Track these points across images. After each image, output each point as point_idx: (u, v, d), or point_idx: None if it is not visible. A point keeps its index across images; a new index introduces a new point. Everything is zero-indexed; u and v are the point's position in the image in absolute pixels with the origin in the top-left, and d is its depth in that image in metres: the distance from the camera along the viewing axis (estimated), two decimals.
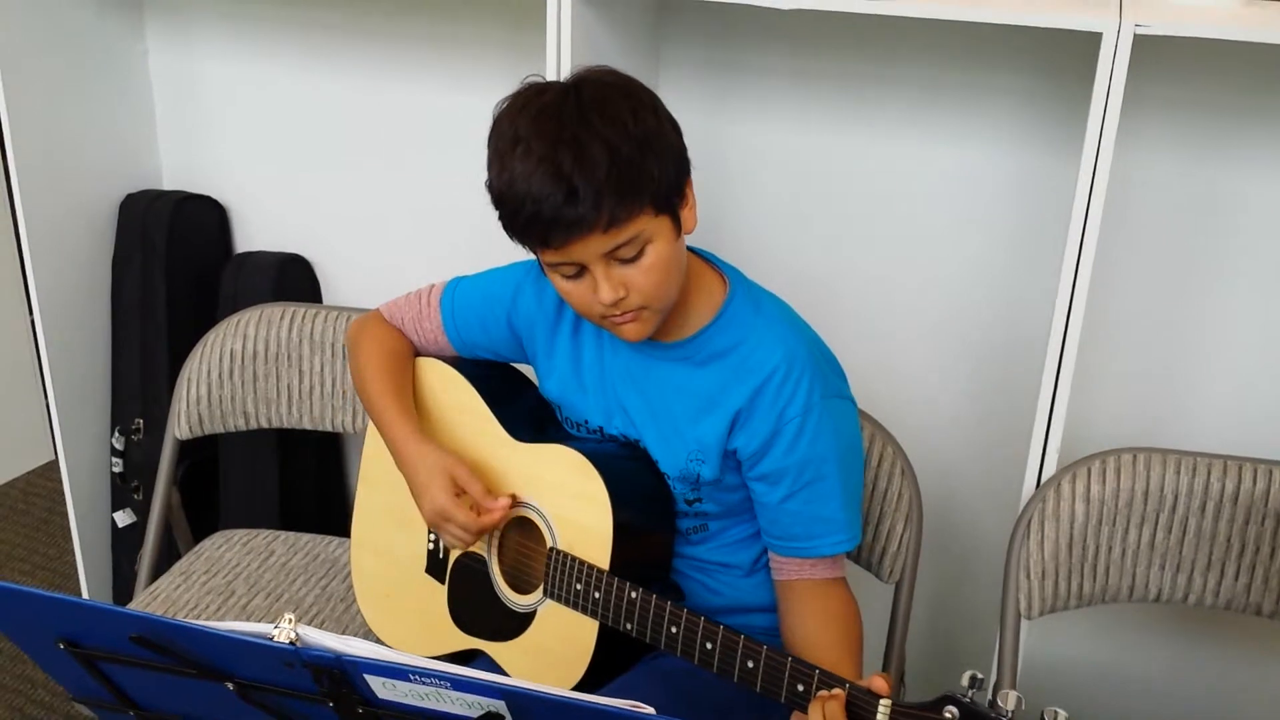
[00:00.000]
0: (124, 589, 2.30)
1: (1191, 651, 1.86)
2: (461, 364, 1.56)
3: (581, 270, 1.25)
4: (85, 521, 2.27)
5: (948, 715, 1.03)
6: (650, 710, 0.73)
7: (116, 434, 2.26)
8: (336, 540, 1.94)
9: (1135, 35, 1.36)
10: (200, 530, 2.01)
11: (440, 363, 1.56)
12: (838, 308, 1.75)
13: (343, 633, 1.67)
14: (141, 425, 2.25)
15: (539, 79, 1.29)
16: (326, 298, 2.30)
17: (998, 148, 1.76)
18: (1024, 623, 1.54)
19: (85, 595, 2.29)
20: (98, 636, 0.86)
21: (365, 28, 2.07)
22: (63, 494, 2.24)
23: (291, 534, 1.95)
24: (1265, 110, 1.61)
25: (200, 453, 2.18)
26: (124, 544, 2.30)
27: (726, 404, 1.34)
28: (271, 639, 0.78)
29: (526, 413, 1.54)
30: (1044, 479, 1.56)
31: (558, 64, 1.63)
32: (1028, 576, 1.53)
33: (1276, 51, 1.45)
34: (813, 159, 1.87)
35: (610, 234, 1.20)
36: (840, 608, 1.35)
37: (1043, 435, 1.55)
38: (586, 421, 1.46)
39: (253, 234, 2.30)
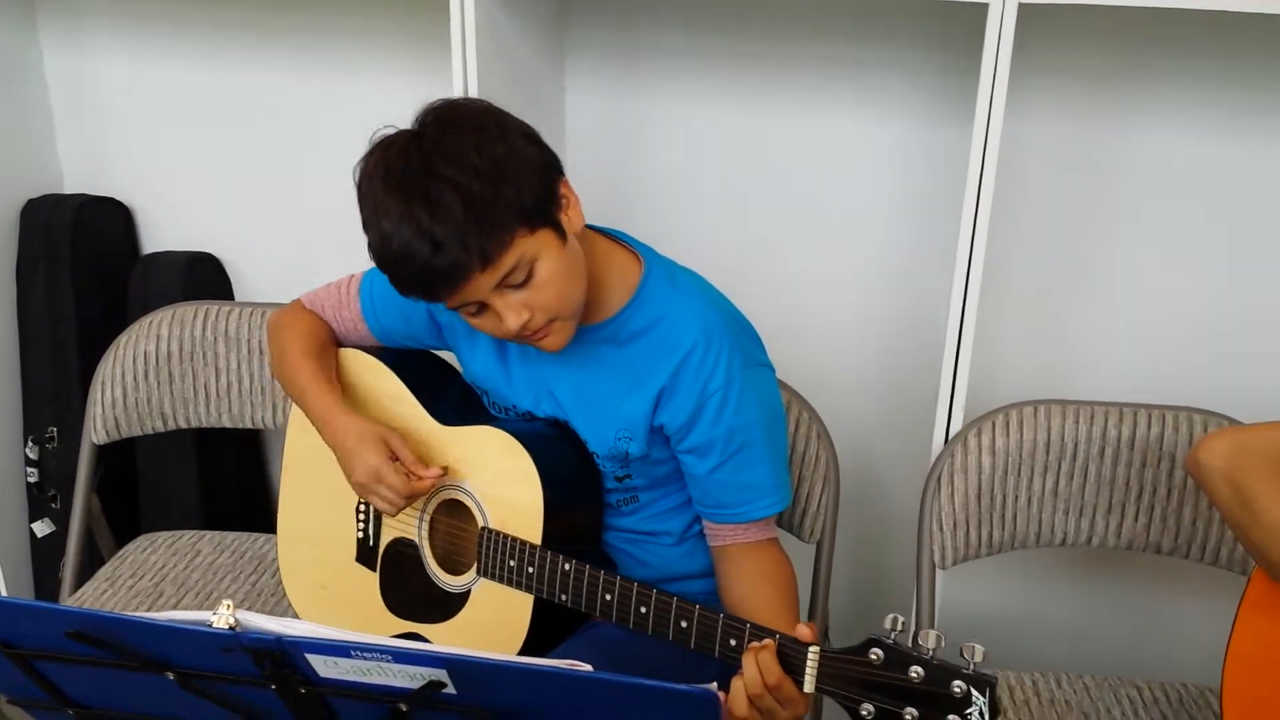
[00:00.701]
0: (47, 599, 2.27)
1: (1098, 592, 1.95)
2: (384, 353, 1.57)
3: (482, 306, 1.27)
4: (3, 532, 2.24)
5: (873, 657, 1.08)
6: (587, 667, 0.76)
7: (30, 443, 2.23)
8: (263, 537, 1.94)
9: (1020, 3, 1.42)
10: (121, 536, 2.00)
11: (362, 353, 1.57)
12: (749, 280, 1.77)
13: None
14: (55, 434, 2.22)
15: (390, 130, 1.28)
16: (238, 294, 2.28)
17: (895, 119, 1.81)
18: (939, 573, 1.61)
19: None
20: (33, 635, 0.87)
21: (264, 22, 2.06)
22: None
23: (217, 533, 1.95)
24: (1145, 71, 1.68)
25: (116, 457, 2.16)
26: (44, 554, 2.27)
27: (650, 382, 1.37)
28: (210, 625, 0.80)
29: (451, 398, 1.56)
30: (951, 435, 1.62)
31: (463, 55, 1.64)
32: (940, 528, 1.60)
33: (1153, 15, 1.53)
34: (717, 136, 1.91)
35: (490, 270, 1.22)
36: (774, 566, 1.40)
37: (948, 393, 1.61)
38: (515, 406, 1.49)
39: (159, 234, 2.27)
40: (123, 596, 1.77)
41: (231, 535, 1.94)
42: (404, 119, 1.29)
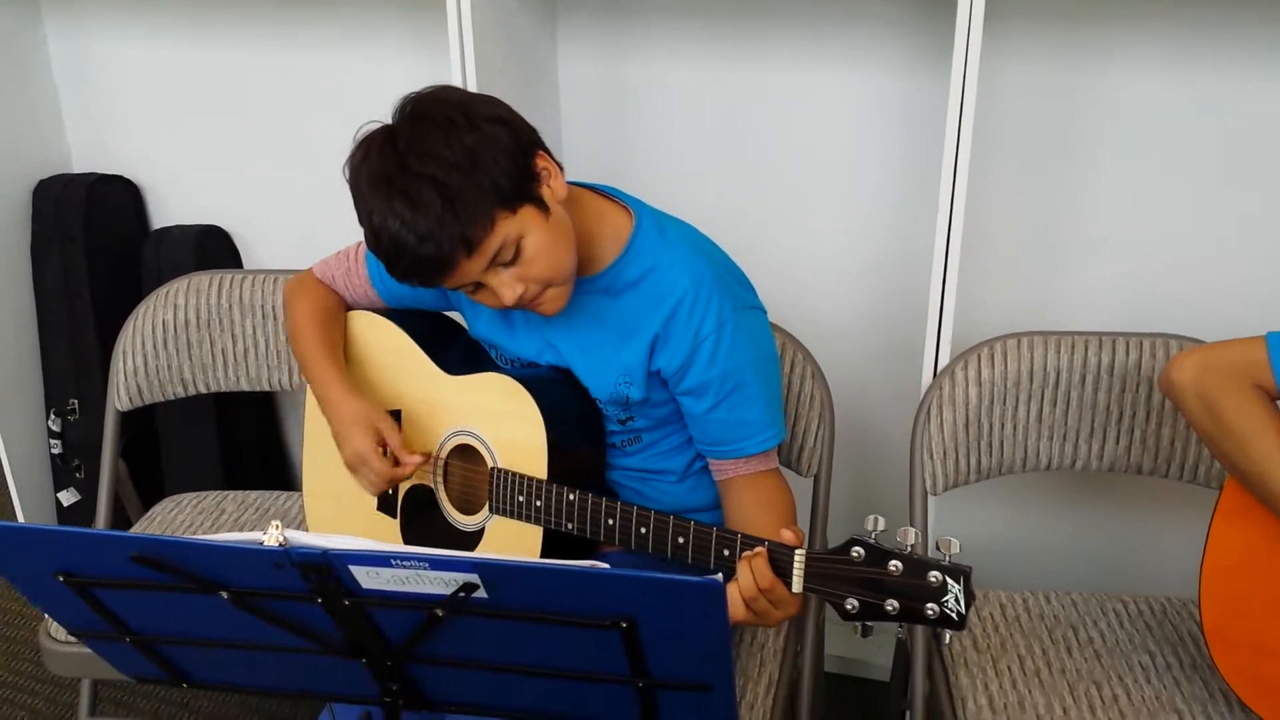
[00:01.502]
0: None
1: (1083, 513, 2.05)
2: (392, 313, 1.65)
3: (478, 284, 1.35)
4: (30, 504, 2.32)
5: (854, 554, 1.15)
6: (605, 565, 0.84)
7: (53, 416, 2.31)
8: (285, 494, 2.02)
9: None
10: (146, 499, 2.08)
11: (372, 314, 1.65)
12: (741, 230, 1.85)
13: None
14: (76, 405, 2.30)
15: (372, 126, 1.34)
16: (248, 265, 2.35)
17: (877, 68, 1.88)
18: (930, 499, 1.69)
19: None
20: (96, 564, 0.94)
21: None
22: (4, 479, 2.28)
23: (239, 492, 2.03)
24: (1118, 14, 1.74)
25: (137, 424, 2.24)
26: (71, 522, 2.35)
27: (644, 329, 1.45)
28: (261, 544, 0.88)
29: (457, 350, 1.63)
30: (939, 368, 1.70)
31: (459, 21, 1.70)
32: (930, 457, 1.68)
33: None
34: (707, 91, 1.98)
35: (476, 254, 1.29)
36: (774, 493, 1.48)
37: (935, 328, 1.69)
38: (519, 358, 1.56)
39: (168, 209, 2.34)
40: None
41: (254, 494, 2.02)
42: (402, 88, 1.36)
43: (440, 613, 0.92)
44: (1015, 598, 1.73)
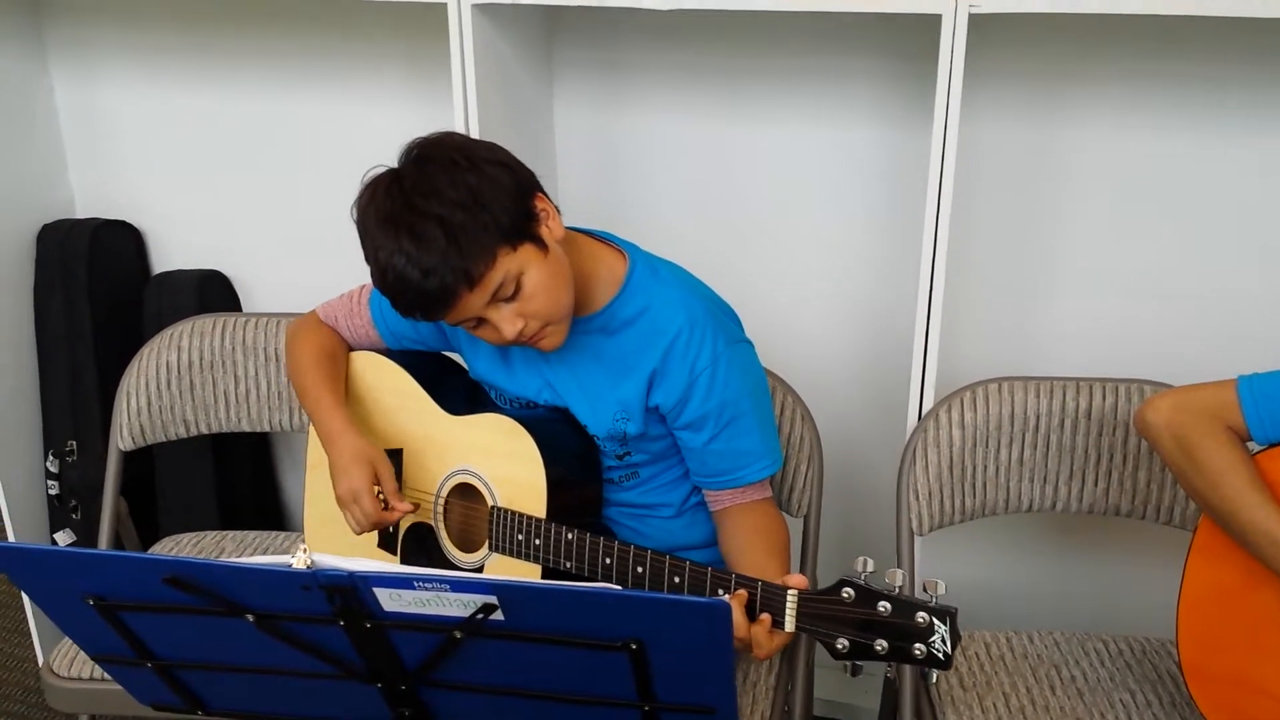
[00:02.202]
0: None
1: (1063, 554, 2.10)
2: (394, 354, 1.70)
3: (480, 320, 1.41)
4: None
5: (845, 595, 1.21)
6: (617, 588, 0.89)
7: (50, 457, 2.33)
8: (284, 534, 2.05)
9: (970, 15, 1.56)
10: (143, 539, 2.11)
11: (374, 354, 1.70)
12: (731, 277, 1.92)
13: None
14: (75, 446, 2.33)
15: (379, 170, 1.41)
16: (247, 309, 2.40)
17: (862, 123, 1.96)
18: (917, 539, 1.74)
19: (31, 618, 2.35)
20: (126, 588, 0.98)
21: (263, 47, 2.19)
22: (1, 520, 2.30)
23: (239, 532, 2.06)
24: (1087, 72, 1.83)
25: (134, 465, 2.27)
26: None
27: (642, 366, 1.51)
28: (290, 566, 0.92)
29: (458, 390, 1.68)
30: (924, 411, 1.76)
31: (462, 73, 1.77)
32: (916, 498, 1.73)
33: (1092, 20, 1.68)
34: (697, 145, 2.05)
35: (478, 289, 1.35)
36: (768, 521, 1.54)
37: (920, 373, 1.75)
38: (519, 398, 1.61)
39: (170, 254, 2.39)
40: None
41: (253, 534, 2.05)
42: (403, 136, 1.42)
43: (458, 634, 0.96)
44: (1000, 637, 1.78)
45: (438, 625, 0.96)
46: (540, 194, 1.43)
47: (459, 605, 0.92)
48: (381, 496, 1.53)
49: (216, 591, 0.95)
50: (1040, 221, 1.92)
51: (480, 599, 0.91)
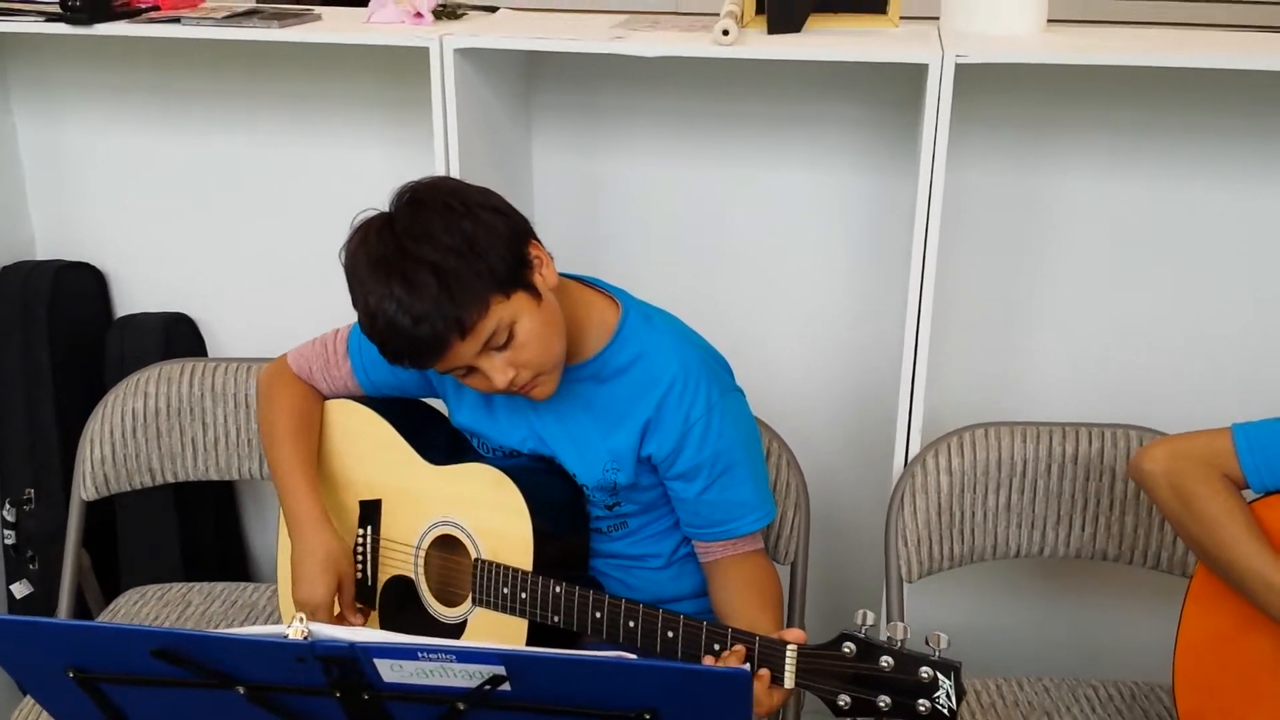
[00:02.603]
0: None
1: (1051, 599, 2.09)
2: (373, 402, 1.65)
3: (470, 368, 1.37)
4: None
5: (846, 650, 1.18)
6: (631, 656, 0.86)
7: (8, 506, 2.26)
8: (252, 585, 1.99)
9: (957, 65, 1.56)
10: (105, 592, 2.04)
11: (353, 403, 1.65)
12: (711, 321, 1.91)
13: None
14: (33, 495, 2.25)
15: (369, 213, 1.38)
16: (213, 353, 2.34)
17: (843, 169, 1.96)
18: (906, 586, 1.72)
19: None
20: (111, 660, 0.93)
21: (230, 88, 2.14)
22: None
23: (205, 584, 1.99)
24: (1069, 120, 1.84)
25: (93, 516, 2.20)
26: (24, 615, 2.29)
27: (635, 415, 1.48)
28: (286, 637, 0.88)
29: (439, 439, 1.64)
30: (910, 457, 1.75)
31: (443, 117, 1.74)
32: (905, 544, 1.71)
33: (1076, 70, 1.68)
34: (678, 190, 2.04)
35: (470, 338, 1.32)
36: (761, 574, 1.51)
37: (905, 419, 1.74)
38: (502, 447, 1.58)
39: (133, 297, 2.33)
40: None
41: (220, 585, 1.99)
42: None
43: (462, 706, 0.92)
44: (989, 684, 1.76)
45: (440, 696, 0.92)
46: (534, 241, 1.40)
47: (464, 676, 0.89)
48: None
49: (207, 664, 0.90)
50: (1023, 267, 1.93)
51: (488, 669, 0.87)
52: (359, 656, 0.89)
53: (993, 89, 1.80)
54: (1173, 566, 1.73)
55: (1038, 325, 1.95)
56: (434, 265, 1.29)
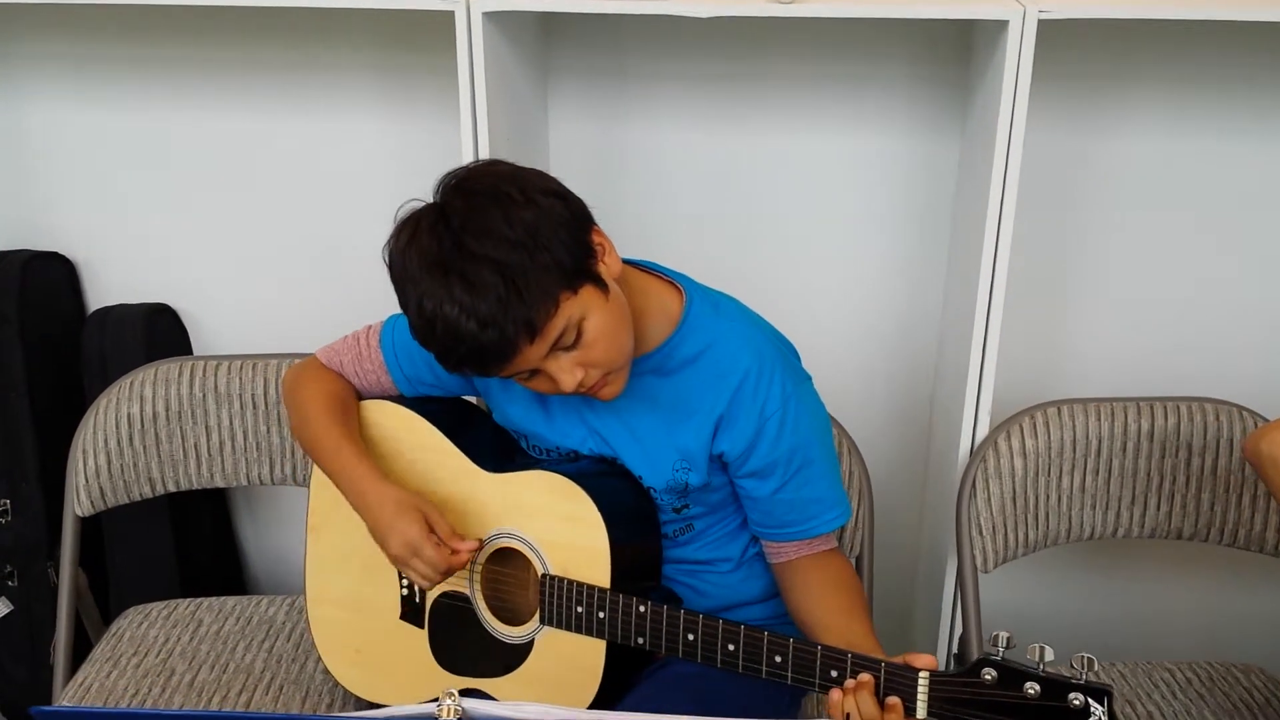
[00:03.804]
0: (18, 686, 2.11)
1: (1117, 580, 2.02)
2: (412, 402, 1.52)
3: (535, 371, 1.25)
4: None
5: (987, 677, 1.09)
6: None
7: None
8: (265, 599, 1.84)
9: (1039, 20, 1.45)
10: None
11: (391, 404, 1.52)
12: (741, 295, 1.81)
13: (304, 693, 1.60)
14: (9, 506, 2.07)
15: (415, 204, 1.24)
16: (196, 345, 2.17)
17: (884, 134, 1.84)
18: (981, 577, 1.63)
19: None
20: None
21: (209, 58, 1.95)
22: None
23: (215, 599, 1.84)
24: (1131, 79, 1.74)
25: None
26: (4, 636, 2.12)
27: (706, 409, 1.36)
28: (436, 717, 0.75)
29: (488, 442, 1.51)
30: (977, 440, 1.65)
31: (470, 86, 1.59)
32: (979, 533, 1.63)
33: (1148, 25, 1.58)
34: (707, 157, 1.90)
35: (540, 339, 1.20)
36: (843, 574, 1.41)
37: (974, 400, 1.64)
38: (558, 447, 1.45)
39: (107, 287, 2.14)
40: (131, 678, 1.66)
41: (231, 600, 1.84)
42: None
43: None
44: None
45: None
46: (595, 226, 1.28)
47: None
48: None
49: None
50: (1088, 234, 1.83)
51: None
52: None
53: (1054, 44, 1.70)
54: (1249, 543, 1.67)
55: (1101, 297, 1.86)
56: (497, 263, 1.16)
